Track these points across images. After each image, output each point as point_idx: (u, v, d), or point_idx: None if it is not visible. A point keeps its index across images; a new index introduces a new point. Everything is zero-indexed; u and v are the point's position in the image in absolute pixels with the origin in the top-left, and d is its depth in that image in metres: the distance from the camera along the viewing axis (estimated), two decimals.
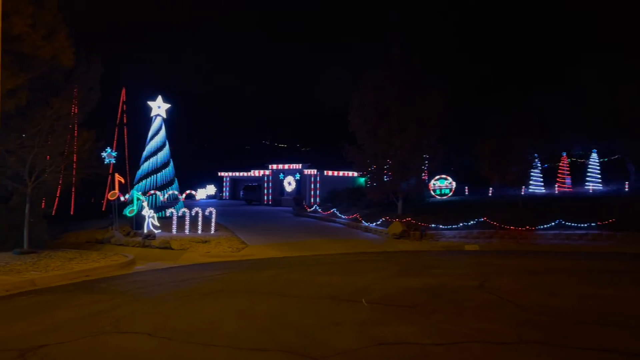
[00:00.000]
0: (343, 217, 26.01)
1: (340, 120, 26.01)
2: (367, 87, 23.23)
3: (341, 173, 40.17)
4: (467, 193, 30.76)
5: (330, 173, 39.96)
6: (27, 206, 15.15)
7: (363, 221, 23.41)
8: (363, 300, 8.48)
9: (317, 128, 69.77)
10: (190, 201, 35.19)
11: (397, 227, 19.92)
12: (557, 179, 30.55)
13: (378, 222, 22.21)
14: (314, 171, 39.66)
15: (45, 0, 14.47)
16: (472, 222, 19.59)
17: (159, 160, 27.09)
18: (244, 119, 76.63)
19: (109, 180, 28.45)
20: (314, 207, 32.13)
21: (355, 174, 36.16)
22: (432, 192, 28.42)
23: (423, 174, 25.01)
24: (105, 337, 6.70)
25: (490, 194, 29.18)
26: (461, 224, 19.70)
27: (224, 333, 6.75)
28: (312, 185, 39.39)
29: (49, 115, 15.44)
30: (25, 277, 11.11)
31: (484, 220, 19.38)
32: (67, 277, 11.73)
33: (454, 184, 28.83)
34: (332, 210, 28.07)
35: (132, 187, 27.35)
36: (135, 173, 28.03)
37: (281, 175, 42.76)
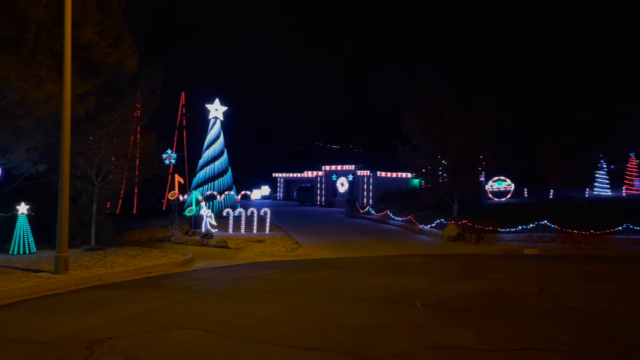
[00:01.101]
0: (396, 218, 25.79)
1: (394, 121, 25.80)
2: (420, 86, 22.91)
3: (394, 174, 39.83)
4: (526, 195, 29.74)
5: (383, 174, 39.71)
6: (95, 205, 15.99)
7: (417, 223, 23.13)
8: (417, 303, 8.39)
9: (371, 129, 69.45)
10: (245, 201, 35.99)
11: (452, 229, 19.55)
12: (625, 181, 28.98)
13: (432, 225, 21.88)
14: (366, 172, 39.53)
15: (112, 9, 15.23)
16: (531, 225, 18.93)
17: (216, 163, 27.86)
18: (298, 120, 77.44)
19: (169, 180, 29.53)
20: (366, 209, 32.04)
21: (409, 175, 35.78)
22: (489, 194, 27.69)
23: (480, 176, 24.41)
24: (166, 332, 6.97)
25: (551, 196, 28.07)
26: (520, 227, 19.08)
27: (278, 331, 6.87)
28: (365, 187, 39.27)
29: (114, 118, 16.23)
30: (93, 273, 11.73)
31: (545, 224, 18.68)
32: (131, 274, 12.29)
33: (512, 185, 27.97)
34: (385, 212, 27.89)
35: (190, 188, 28.26)
36: (194, 174, 28.94)
37: (334, 176, 42.88)
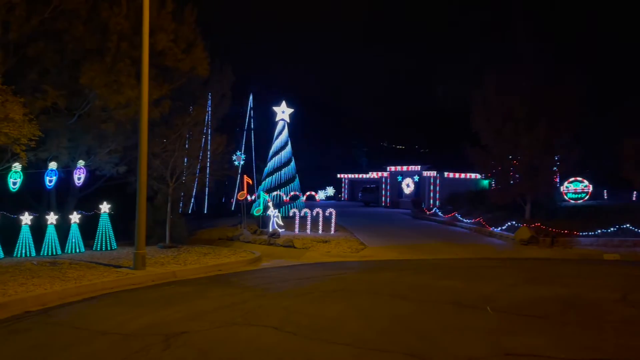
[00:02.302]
0: (464, 220, 25.12)
1: (462, 120, 25.17)
2: (491, 84, 22.18)
3: (462, 175, 38.81)
4: (605, 197, 28.04)
5: (450, 175, 38.81)
6: (169, 205, 16.75)
7: (486, 225, 22.42)
8: (488, 307, 8.13)
9: (437, 128, 68.01)
10: (310, 202, 36.36)
11: (524, 232, 18.77)
12: None
13: (503, 227, 21.11)
14: (433, 173, 38.78)
15: (185, 17, 15.93)
16: (611, 229, 17.82)
17: (282, 164, 28.35)
18: (362, 120, 77.20)
19: (237, 181, 30.39)
20: (433, 210, 31.43)
21: (478, 175, 34.75)
22: (564, 195, 26.34)
23: (554, 176, 23.28)
24: (236, 328, 7.19)
25: (634, 198, 26.29)
26: (599, 231, 18.01)
27: (346, 331, 6.89)
28: (432, 187, 38.54)
29: (187, 121, 16.95)
30: (167, 269, 12.30)
31: (627, 227, 17.53)
32: (202, 271, 12.76)
33: (590, 187, 26.43)
34: (452, 214, 27.24)
35: (258, 188, 28.95)
36: (261, 175, 29.62)
37: (399, 177, 42.40)
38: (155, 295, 9.92)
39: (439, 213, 29.83)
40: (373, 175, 47.58)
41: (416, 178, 41.05)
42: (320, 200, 47.85)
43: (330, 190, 54.04)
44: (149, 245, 12.88)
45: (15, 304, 8.54)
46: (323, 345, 6.31)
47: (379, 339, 6.52)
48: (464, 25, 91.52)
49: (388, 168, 43.47)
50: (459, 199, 30.62)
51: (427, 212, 31.65)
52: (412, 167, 41.61)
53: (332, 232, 20.71)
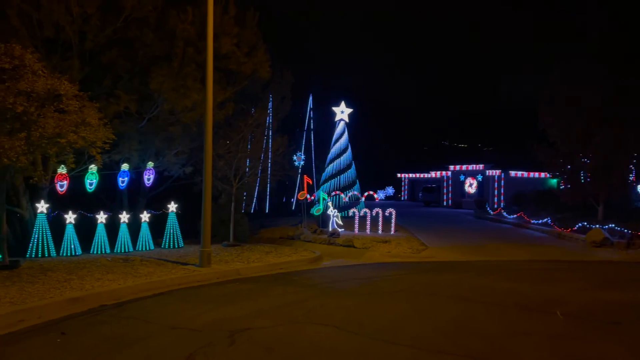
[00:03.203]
0: (531, 221, 24.18)
1: (527, 117, 24.25)
2: (559, 79, 21.23)
3: (528, 174, 37.36)
4: None
5: (515, 174, 37.46)
6: (232, 204, 17.22)
7: (555, 226, 21.48)
8: (557, 312, 7.82)
9: (501, 126, 65.87)
10: (369, 202, 36.25)
11: (597, 234, 17.82)
12: None
13: (573, 228, 20.15)
14: (497, 172, 37.59)
15: (247, 21, 16.34)
16: None
17: (342, 162, 28.41)
18: (422, 119, 75.97)
19: (298, 181, 30.77)
20: (497, 210, 30.47)
21: (545, 174, 33.36)
22: None
23: (631, 175, 21.95)
24: (298, 326, 7.31)
25: None
26: None
27: (407, 332, 6.85)
28: (496, 187, 37.37)
29: (249, 123, 17.36)
30: (231, 267, 12.66)
31: None
32: (265, 269, 13.03)
33: None
34: (518, 214, 26.29)
35: (318, 188, 29.18)
36: (321, 174, 29.82)
37: (461, 177, 41.40)
38: (220, 292, 10.25)
39: (504, 213, 28.88)
40: (434, 174, 46.75)
41: (479, 177, 39.94)
42: (380, 200, 47.53)
43: (389, 190, 53.57)
44: (213, 243, 13.30)
45: (92, 298, 9.09)
46: (385, 345, 6.31)
47: (441, 341, 6.43)
48: (528, 19, 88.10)
49: (450, 167, 42.56)
50: (525, 198, 29.54)
51: (492, 213, 30.73)
52: (475, 166, 40.51)
53: (392, 232, 20.55)
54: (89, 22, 13.79)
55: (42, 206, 13.62)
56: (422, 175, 49.43)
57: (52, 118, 10.50)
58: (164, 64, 15.02)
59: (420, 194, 46.72)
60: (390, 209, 21.22)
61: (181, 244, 16.43)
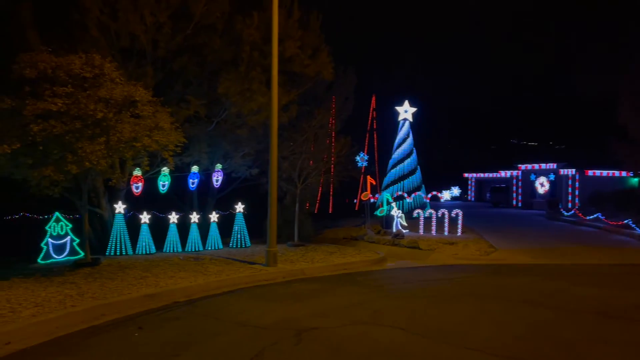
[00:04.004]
0: (609, 222, 22.79)
1: (605, 112, 22.88)
2: None
3: (606, 173, 35.25)
4: None
5: (591, 172, 35.46)
6: (297, 205, 17.45)
7: (637, 228, 20.13)
8: None
9: (575, 122, 62.65)
10: (435, 202, 35.56)
11: None
12: None
13: None
14: (571, 171, 35.73)
15: (311, 24, 16.52)
16: None
17: (405, 163, 28.07)
18: (490, 117, 73.60)
19: (361, 182, 30.70)
20: (571, 211, 28.96)
21: (627, 173, 31.35)
22: None
23: None
24: (364, 327, 7.29)
25: None
26: None
27: (476, 337, 6.66)
28: (570, 187, 35.55)
29: (313, 125, 17.54)
30: (296, 267, 12.84)
31: None
32: (329, 269, 13.10)
33: None
34: (594, 215, 24.86)
35: (381, 189, 28.99)
36: (385, 175, 29.60)
37: (532, 176, 39.70)
38: (286, 291, 10.41)
39: (579, 214, 27.41)
40: (502, 174, 45.13)
41: (551, 176, 38.15)
42: (445, 200, 46.33)
43: (455, 190, 52.23)
44: (278, 243, 13.54)
45: (166, 294, 9.51)
46: (452, 349, 6.17)
47: (512, 346, 6.21)
48: (603, 9, 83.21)
49: (519, 166, 40.94)
50: (603, 199, 27.88)
51: (565, 214, 29.25)
52: (547, 165, 38.72)
53: (459, 233, 20.05)
54: (161, 31, 14.46)
55: (119, 207, 14.42)
56: (489, 175, 47.86)
57: (128, 123, 11.09)
58: (231, 68, 15.48)
59: (488, 195, 45.26)
60: (457, 210, 20.73)
61: (248, 243, 16.84)
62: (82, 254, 12.89)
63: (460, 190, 54.99)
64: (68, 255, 12.96)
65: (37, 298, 8.62)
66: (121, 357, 6.21)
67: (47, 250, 12.67)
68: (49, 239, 12.72)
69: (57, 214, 12.95)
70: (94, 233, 15.22)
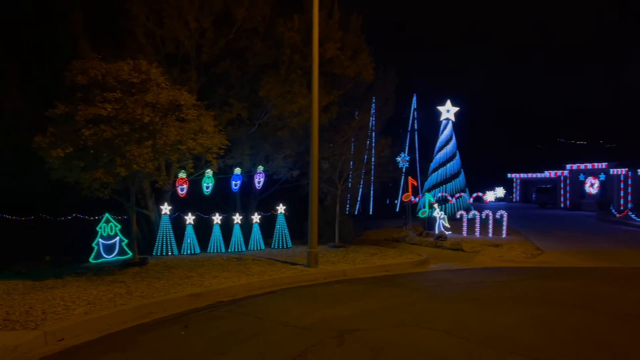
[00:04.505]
0: None
1: None
2: None
3: None
4: None
5: None
6: (337, 206, 17.48)
7: None
8: None
9: (626, 121, 60.07)
10: (478, 203, 34.83)
11: None
12: None
13: None
14: (623, 170, 34.31)
15: (351, 25, 16.53)
16: None
17: (448, 164, 27.67)
18: (535, 115, 71.53)
19: (402, 182, 30.44)
20: (624, 213, 27.80)
21: None
22: None
23: None
24: (406, 329, 7.24)
25: None
26: None
27: (521, 341, 6.50)
28: (622, 187, 34.13)
29: (353, 126, 17.53)
30: (338, 268, 12.85)
31: None
32: (370, 271, 13.05)
33: None
34: None
35: (423, 190, 28.65)
36: (426, 176, 29.26)
37: (581, 176, 38.35)
38: (328, 292, 10.45)
39: (633, 216, 26.30)
40: (549, 174, 43.80)
41: (602, 176, 36.76)
42: (489, 201, 45.27)
43: (499, 191, 50.96)
44: (319, 244, 13.60)
45: (210, 294, 9.71)
46: (498, 353, 6.04)
47: (561, 352, 6.03)
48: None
49: (567, 166, 39.66)
50: None
51: (617, 215, 28.14)
52: (597, 164, 37.34)
53: (504, 235, 19.60)
54: (205, 36, 14.79)
55: (165, 208, 14.83)
56: (535, 175, 46.53)
57: (173, 127, 11.40)
58: (272, 71, 15.67)
59: (534, 195, 44.03)
60: (502, 211, 20.27)
61: (289, 244, 16.98)
62: (130, 253, 13.33)
63: (504, 191, 53.60)
64: (117, 254, 13.43)
65: (89, 296, 8.97)
66: (168, 354, 6.39)
67: (98, 250, 13.17)
68: (100, 239, 13.21)
69: (107, 215, 13.44)
70: (141, 233, 15.69)
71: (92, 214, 14.33)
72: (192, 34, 14.57)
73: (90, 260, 13.01)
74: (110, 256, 13.32)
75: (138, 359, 6.28)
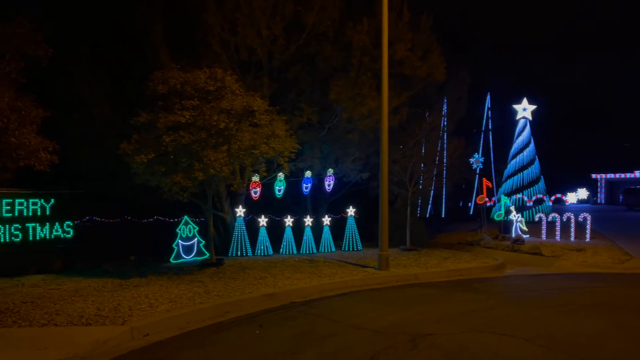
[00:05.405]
0: None
1: None
2: None
3: None
4: None
5: None
6: (408, 209, 17.26)
7: None
8: None
9: None
10: (558, 205, 33.12)
11: None
12: None
13: None
14: None
15: (422, 24, 16.30)
16: None
17: (525, 165, 26.55)
18: (622, 112, 66.89)
19: (476, 184, 29.56)
20: None
21: None
22: None
23: None
24: (481, 335, 7.03)
25: None
26: None
27: (607, 352, 6.14)
28: None
29: (424, 127, 17.26)
30: (409, 271, 12.70)
31: None
32: (443, 275, 12.79)
33: None
34: None
35: (498, 191, 27.67)
36: (502, 176, 28.24)
37: None
38: (400, 296, 10.35)
39: None
40: (638, 174, 40.85)
41: None
42: (571, 203, 43.08)
43: (581, 192, 48.26)
44: (390, 247, 13.49)
45: (284, 295, 9.91)
46: None
47: None
48: None
49: None
50: None
51: None
52: None
53: (587, 239, 18.51)
54: (276, 43, 15.14)
55: (240, 211, 15.32)
56: (623, 176, 43.64)
57: (247, 132, 11.77)
58: (341, 74, 15.76)
59: (621, 197, 41.22)
60: (584, 214, 19.17)
61: (359, 246, 16.98)
62: (208, 254, 13.87)
63: (588, 193, 50.74)
64: (195, 255, 14.03)
65: (171, 294, 9.44)
66: (244, 352, 6.60)
67: (178, 250, 13.82)
68: (179, 241, 13.86)
69: (185, 217, 14.08)
70: (217, 235, 16.28)
71: (172, 216, 15.06)
72: (264, 41, 14.96)
73: (171, 260, 13.67)
74: (189, 257, 13.93)
75: (215, 356, 6.53)
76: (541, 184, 26.99)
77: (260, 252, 15.49)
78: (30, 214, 11.99)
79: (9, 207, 11.60)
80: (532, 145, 26.91)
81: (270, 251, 15.65)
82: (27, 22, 10.08)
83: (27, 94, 10.68)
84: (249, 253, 15.32)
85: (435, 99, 18.64)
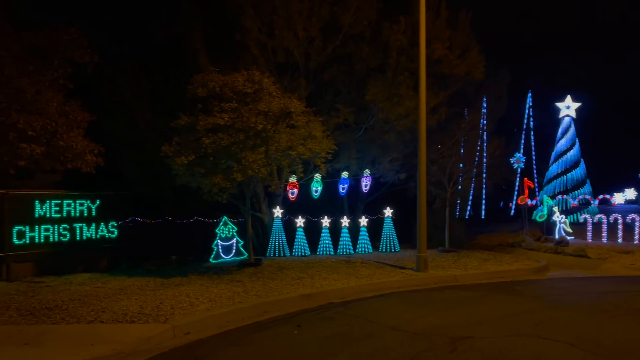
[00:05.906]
0: None
1: None
2: None
3: None
4: None
5: None
6: (447, 209, 17.02)
7: None
8: None
9: None
10: (605, 206, 31.88)
11: None
12: None
13: None
14: None
15: (460, 23, 16.05)
16: None
17: (568, 162, 25.73)
18: None
19: (517, 184, 28.85)
20: None
21: None
22: None
23: None
24: (524, 339, 6.85)
25: None
26: None
27: None
28: None
29: (463, 126, 16.98)
30: (448, 273, 12.51)
31: None
32: (484, 277, 12.55)
33: None
34: None
35: (540, 191, 26.93)
36: (544, 176, 27.47)
37: None
38: (438, 297, 10.22)
39: None
40: None
41: None
42: (618, 204, 41.40)
43: (630, 193, 46.32)
44: (428, 248, 13.34)
45: (321, 295, 9.94)
46: None
47: None
48: None
49: None
50: None
51: None
52: None
53: (636, 241, 17.81)
54: (313, 44, 15.21)
55: (277, 211, 15.46)
56: None
57: (284, 133, 11.86)
58: (378, 74, 15.69)
59: None
60: (633, 215, 18.46)
61: (397, 247, 16.86)
62: (246, 254, 14.06)
63: (636, 193, 48.74)
64: (234, 255, 14.24)
65: (211, 294, 9.60)
66: (282, 352, 6.65)
67: (217, 250, 14.07)
68: (219, 241, 14.11)
69: (224, 218, 14.32)
70: (256, 235, 16.47)
71: (211, 217, 15.35)
72: (300, 43, 15.05)
73: (211, 260, 13.92)
74: (228, 257, 14.16)
75: (254, 355, 6.61)
76: (586, 183, 26.09)
77: (298, 252, 15.58)
78: (78, 214, 12.46)
79: (57, 208, 12.09)
80: (577, 146, 26.03)
81: (308, 252, 15.72)
82: (74, 29, 10.49)
83: (73, 98, 11.11)
84: (287, 253, 15.43)
85: (474, 97, 18.31)
